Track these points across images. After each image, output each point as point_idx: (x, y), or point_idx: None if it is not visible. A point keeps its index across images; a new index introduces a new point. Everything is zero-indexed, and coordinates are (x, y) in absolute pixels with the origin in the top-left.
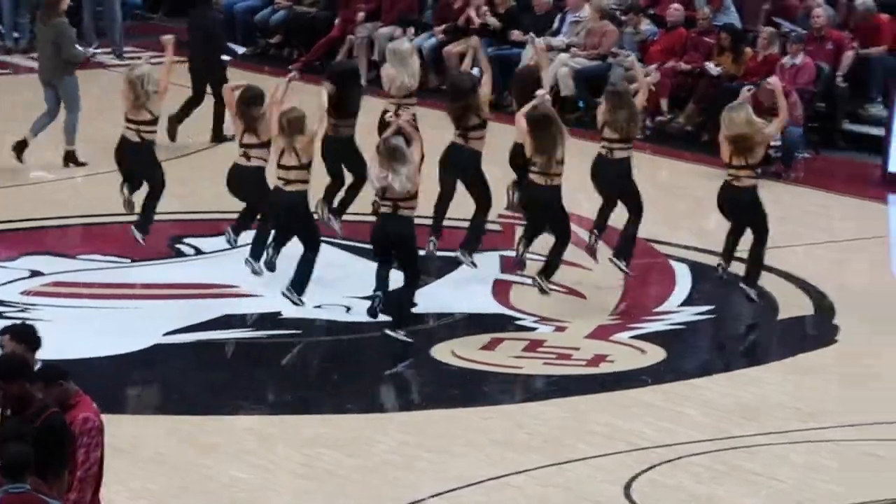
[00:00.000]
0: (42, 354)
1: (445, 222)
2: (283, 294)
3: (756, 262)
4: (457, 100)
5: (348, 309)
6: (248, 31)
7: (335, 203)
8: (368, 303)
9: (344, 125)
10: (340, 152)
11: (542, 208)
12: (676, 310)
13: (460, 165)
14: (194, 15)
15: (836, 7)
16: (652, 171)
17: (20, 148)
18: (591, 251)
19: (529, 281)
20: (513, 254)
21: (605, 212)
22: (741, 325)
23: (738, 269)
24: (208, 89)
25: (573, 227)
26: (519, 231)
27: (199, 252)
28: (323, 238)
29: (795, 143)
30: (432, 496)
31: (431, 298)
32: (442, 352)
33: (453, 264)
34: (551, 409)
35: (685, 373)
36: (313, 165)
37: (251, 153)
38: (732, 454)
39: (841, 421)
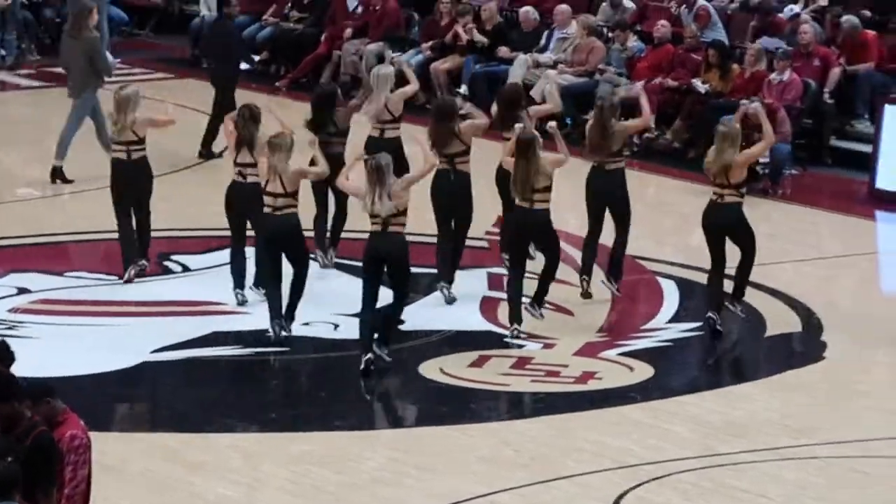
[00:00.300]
0: (29, 372)
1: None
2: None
3: (743, 280)
4: (440, 122)
5: (336, 326)
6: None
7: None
8: (356, 320)
9: (336, 142)
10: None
11: (529, 232)
12: (664, 327)
13: (451, 192)
14: (214, 28)
15: (822, 24)
16: (639, 188)
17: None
18: (585, 295)
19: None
20: (500, 271)
21: (590, 247)
22: (729, 342)
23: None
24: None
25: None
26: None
27: (186, 269)
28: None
29: (783, 159)
30: None
31: (419, 315)
32: (430, 369)
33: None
34: (539, 427)
35: (673, 390)
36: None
37: (247, 172)
38: (720, 471)
39: (829, 438)
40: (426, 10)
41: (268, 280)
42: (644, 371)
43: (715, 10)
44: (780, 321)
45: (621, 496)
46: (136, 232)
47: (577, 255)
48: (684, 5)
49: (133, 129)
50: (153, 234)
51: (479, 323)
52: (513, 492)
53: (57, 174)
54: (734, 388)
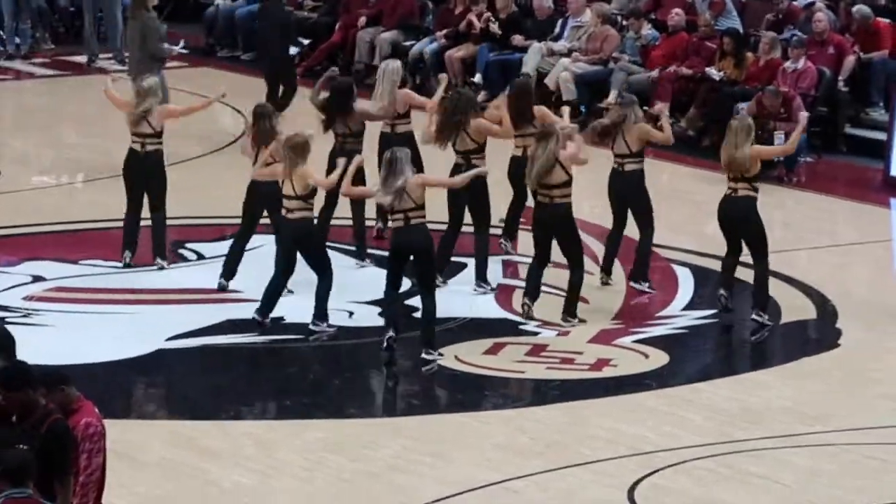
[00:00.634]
0: (44, 359)
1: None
2: (311, 330)
3: (761, 285)
4: (451, 118)
5: (351, 314)
6: (250, 36)
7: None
8: (370, 308)
9: (351, 142)
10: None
11: (550, 227)
12: (679, 314)
13: (468, 190)
14: (267, 10)
15: (836, 12)
16: (653, 176)
17: None
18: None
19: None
20: (516, 259)
21: (611, 245)
22: (744, 330)
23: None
24: None
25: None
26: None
27: (200, 257)
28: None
29: (798, 147)
30: (435, 501)
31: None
32: (445, 356)
33: (456, 269)
34: (554, 414)
35: (688, 377)
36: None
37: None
38: (735, 458)
39: (843, 425)
40: None
41: (278, 270)
42: (659, 358)
43: None
44: (795, 308)
45: (636, 483)
46: (151, 231)
47: (592, 243)
48: None
49: (149, 121)
50: (168, 221)
51: (494, 310)
52: (528, 479)
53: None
54: (749, 375)
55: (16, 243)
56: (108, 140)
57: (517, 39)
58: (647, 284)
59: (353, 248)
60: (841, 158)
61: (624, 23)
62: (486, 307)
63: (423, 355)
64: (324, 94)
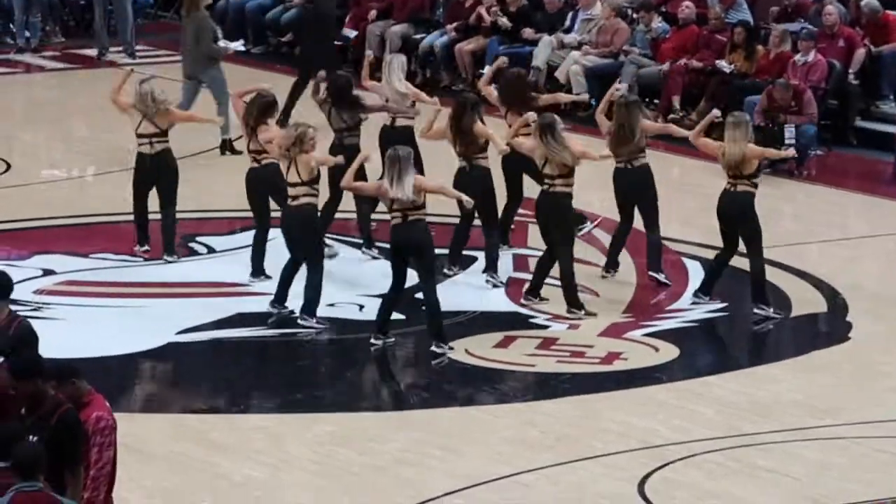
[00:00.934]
0: (54, 353)
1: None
2: (298, 323)
3: (758, 281)
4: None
5: (361, 307)
6: (260, 29)
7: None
8: (380, 301)
9: (349, 135)
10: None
11: (546, 216)
12: (689, 307)
13: (472, 188)
14: (311, 7)
15: (847, 5)
16: (664, 169)
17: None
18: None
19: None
20: (525, 252)
21: (616, 243)
22: (754, 323)
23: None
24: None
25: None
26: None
27: (211, 251)
28: (336, 237)
29: (808, 140)
30: (445, 494)
31: (445, 297)
32: (455, 350)
33: (466, 263)
34: (564, 407)
35: (698, 370)
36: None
37: (260, 157)
38: (746, 451)
39: (854, 418)
40: None
41: (288, 262)
42: (669, 352)
43: None
44: (805, 302)
45: (647, 476)
46: (161, 227)
47: (601, 235)
48: None
49: (154, 122)
50: (179, 215)
51: (504, 304)
52: (538, 472)
53: (227, 146)
54: (759, 368)
55: (26, 237)
56: (118, 133)
57: (527, 32)
58: (663, 276)
59: (360, 241)
60: (851, 151)
61: (634, 16)
62: (497, 301)
63: (433, 348)
64: (324, 92)
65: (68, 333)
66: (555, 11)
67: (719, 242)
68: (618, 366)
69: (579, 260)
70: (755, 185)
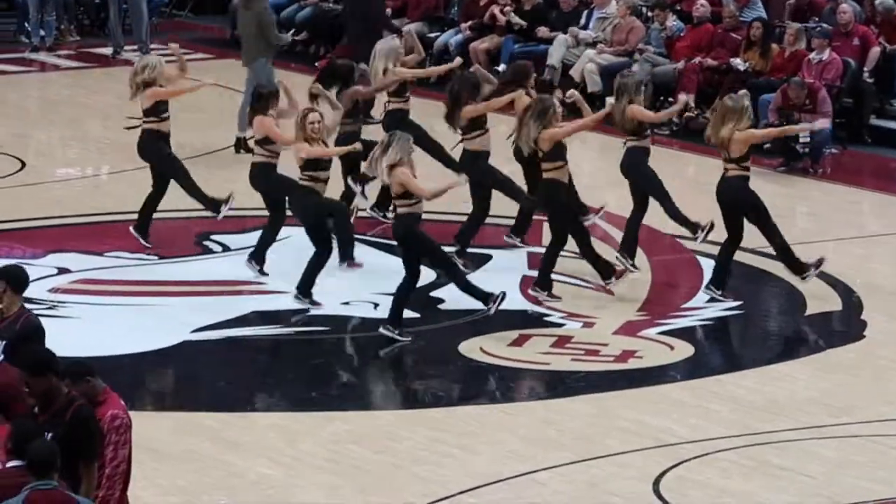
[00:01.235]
0: (69, 351)
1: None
2: (294, 299)
3: (784, 253)
4: (449, 97)
5: (376, 306)
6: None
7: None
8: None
9: (344, 122)
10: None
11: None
12: (704, 306)
13: (464, 169)
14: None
15: (861, 3)
16: (679, 167)
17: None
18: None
19: (556, 277)
20: (541, 250)
21: (630, 227)
22: (769, 321)
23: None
24: None
25: (601, 223)
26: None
27: (226, 249)
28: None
29: (823, 139)
30: (459, 493)
31: (459, 294)
32: (470, 348)
33: (480, 261)
34: (579, 406)
35: (713, 369)
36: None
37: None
38: (761, 450)
39: (870, 416)
40: None
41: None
42: (684, 350)
43: None
44: (821, 300)
45: (662, 475)
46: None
47: (616, 234)
48: None
49: (139, 98)
50: (191, 213)
51: (519, 302)
52: (553, 471)
53: (241, 144)
54: (774, 366)
55: (41, 235)
56: (132, 132)
57: (542, 31)
58: (630, 262)
59: (378, 241)
60: (866, 149)
61: (649, 14)
62: (512, 299)
63: (381, 328)
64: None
65: (83, 332)
66: (570, 10)
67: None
68: (632, 364)
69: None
70: (745, 169)
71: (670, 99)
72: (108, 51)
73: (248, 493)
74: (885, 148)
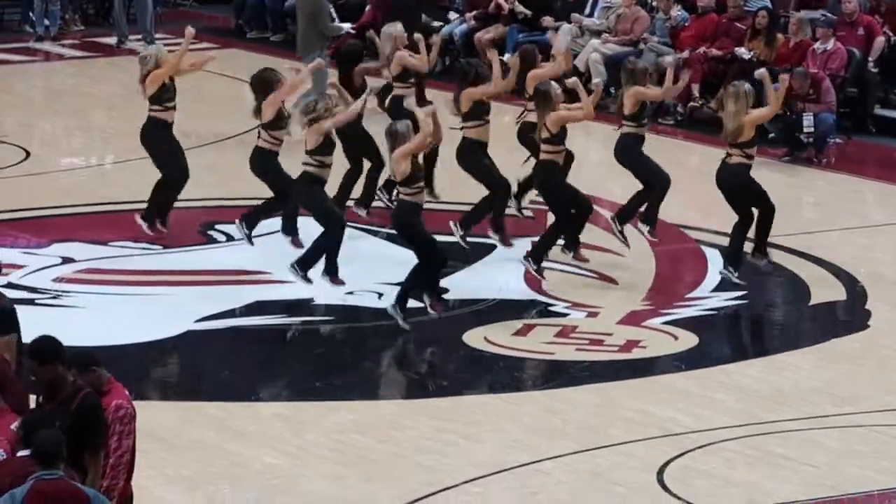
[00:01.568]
0: (74, 341)
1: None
2: (289, 268)
3: (763, 233)
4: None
5: (380, 295)
6: (279, 17)
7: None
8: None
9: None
10: (350, 135)
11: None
12: (708, 295)
13: (458, 156)
14: None
15: None
16: (683, 157)
17: None
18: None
19: (560, 267)
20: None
21: (630, 201)
22: (773, 311)
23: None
24: None
25: (605, 212)
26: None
27: (230, 238)
28: (355, 225)
29: (827, 128)
30: (464, 482)
31: (463, 284)
32: (474, 338)
33: (484, 250)
34: (583, 395)
35: (717, 358)
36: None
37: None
38: (765, 439)
39: (874, 406)
40: None
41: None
42: (688, 340)
43: None
44: (825, 289)
45: (666, 464)
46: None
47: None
48: None
49: (144, 86)
50: (195, 203)
51: (523, 292)
52: (557, 460)
53: None
54: (778, 356)
55: (46, 225)
56: (137, 121)
57: (547, 21)
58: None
59: (382, 230)
60: (870, 139)
61: (654, 3)
62: (516, 288)
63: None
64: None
65: (87, 321)
66: (574, 0)
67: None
68: (637, 354)
69: (594, 246)
70: (749, 157)
71: None
72: (112, 40)
73: (253, 482)
74: (889, 138)
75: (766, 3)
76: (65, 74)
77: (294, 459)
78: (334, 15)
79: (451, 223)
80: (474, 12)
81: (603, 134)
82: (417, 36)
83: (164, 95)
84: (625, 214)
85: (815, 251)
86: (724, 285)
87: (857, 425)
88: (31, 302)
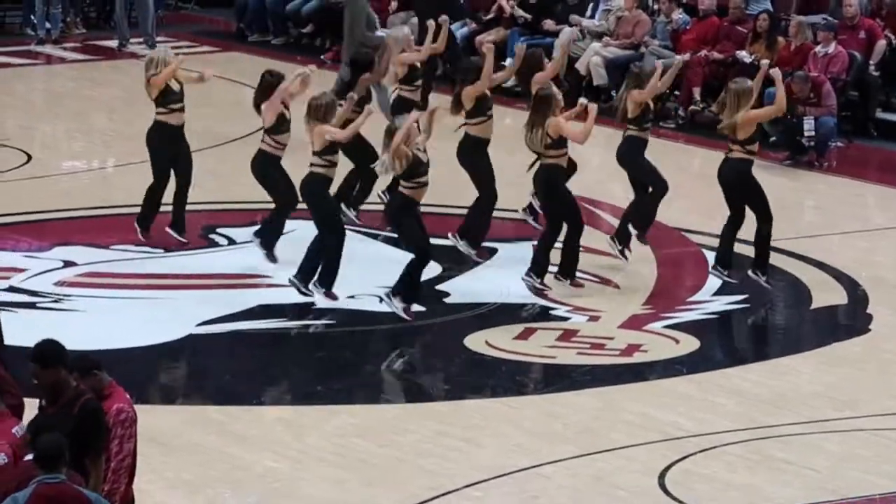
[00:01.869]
0: (75, 345)
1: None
2: (307, 290)
3: (762, 247)
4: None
5: (381, 299)
6: (280, 20)
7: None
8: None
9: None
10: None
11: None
12: (710, 299)
13: (459, 153)
14: None
15: None
16: (685, 160)
17: None
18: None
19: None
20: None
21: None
22: (775, 315)
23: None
24: None
25: (606, 216)
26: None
27: (232, 242)
28: (355, 228)
29: (828, 132)
30: (465, 486)
31: (464, 288)
32: (475, 341)
33: (486, 254)
34: (584, 399)
35: (719, 362)
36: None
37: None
38: (766, 443)
39: (875, 410)
40: None
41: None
42: (690, 343)
43: None
44: (826, 293)
45: (667, 468)
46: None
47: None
48: None
49: (148, 90)
50: (197, 206)
51: (524, 295)
52: (558, 464)
53: None
54: (779, 360)
55: (47, 228)
56: (138, 124)
57: (548, 24)
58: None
59: (383, 233)
60: (872, 143)
61: (655, 6)
62: (517, 292)
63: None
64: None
65: (89, 325)
66: (576, 3)
67: (741, 234)
68: (638, 358)
69: (595, 250)
70: (750, 153)
71: (676, 92)
72: (113, 43)
73: (254, 486)
74: (890, 141)
75: (768, 7)
76: (66, 77)
77: (295, 463)
78: (377, 24)
79: (451, 235)
80: (476, 15)
81: (604, 136)
82: (430, 22)
83: (168, 98)
84: (623, 234)
85: (817, 255)
86: (725, 289)
87: (859, 429)
88: (32, 305)
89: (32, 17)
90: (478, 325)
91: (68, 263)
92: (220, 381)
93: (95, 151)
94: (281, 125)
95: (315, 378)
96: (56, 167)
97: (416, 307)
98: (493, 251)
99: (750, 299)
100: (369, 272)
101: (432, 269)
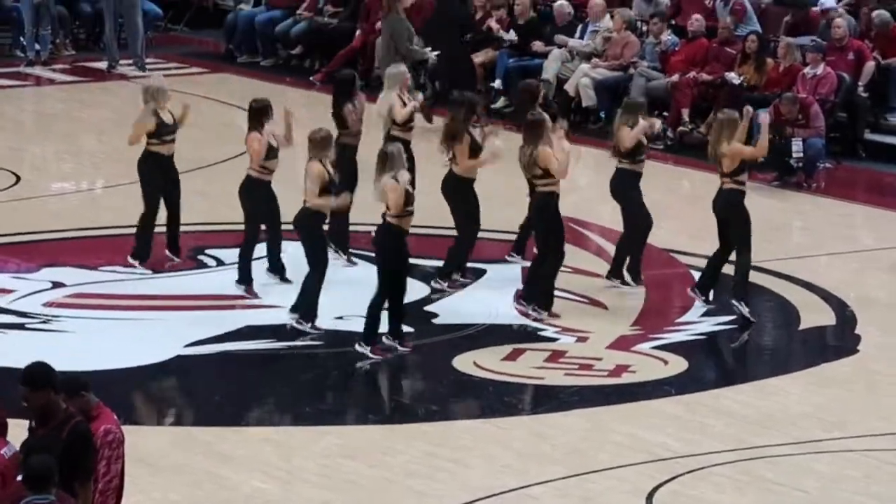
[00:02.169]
0: (64, 365)
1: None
2: (295, 329)
3: (742, 278)
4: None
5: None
6: (269, 42)
7: None
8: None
9: (343, 133)
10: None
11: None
12: (698, 320)
13: (445, 188)
14: (443, 5)
15: (857, 17)
16: (673, 181)
17: None
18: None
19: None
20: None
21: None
22: (763, 335)
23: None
24: None
25: (595, 237)
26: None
27: (220, 263)
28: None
29: (817, 153)
30: None
31: (453, 309)
32: (464, 362)
33: (474, 275)
34: (573, 420)
35: (707, 383)
36: None
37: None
38: (755, 464)
39: (864, 430)
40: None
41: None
42: (678, 364)
43: (749, 4)
44: (814, 314)
45: (655, 489)
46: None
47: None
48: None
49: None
50: (185, 227)
51: (513, 317)
52: (547, 485)
53: None
54: (768, 381)
55: (36, 249)
56: (127, 147)
57: (537, 45)
58: (619, 281)
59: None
60: (860, 164)
61: (644, 28)
62: (506, 313)
63: (356, 346)
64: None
65: (77, 346)
66: (564, 24)
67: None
68: (626, 378)
69: (584, 271)
70: (739, 183)
71: (664, 113)
72: (103, 65)
73: None
74: (879, 162)
75: (756, 28)
76: (55, 99)
77: (283, 484)
78: (416, 38)
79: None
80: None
81: (592, 158)
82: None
83: (161, 130)
84: (616, 269)
85: (805, 275)
86: (713, 310)
87: (848, 450)
88: (21, 327)
89: (22, 38)
90: (466, 346)
91: (57, 284)
92: (207, 401)
93: (84, 173)
94: (268, 152)
95: (303, 399)
96: (45, 188)
97: (386, 341)
98: (482, 272)
99: (738, 320)
100: (358, 294)
101: (420, 290)
